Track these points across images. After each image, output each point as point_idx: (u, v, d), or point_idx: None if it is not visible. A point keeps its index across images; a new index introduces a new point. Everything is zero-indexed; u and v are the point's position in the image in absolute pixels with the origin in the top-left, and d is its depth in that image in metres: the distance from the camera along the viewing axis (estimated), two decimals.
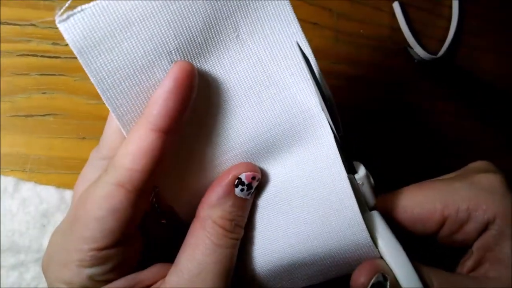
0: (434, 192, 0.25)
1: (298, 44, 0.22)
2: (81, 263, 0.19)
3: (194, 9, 0.20)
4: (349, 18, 0.44)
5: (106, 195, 0.19)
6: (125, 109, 0.20)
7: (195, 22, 0.20)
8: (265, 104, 0.22)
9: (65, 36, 0.18)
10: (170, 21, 0.19)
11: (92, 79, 0.19)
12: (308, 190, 0.23)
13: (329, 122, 0.22)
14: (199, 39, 0.20)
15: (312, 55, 0.22)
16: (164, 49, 0.20)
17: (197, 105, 0.21)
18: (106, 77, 0.19)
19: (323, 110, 0.22)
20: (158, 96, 0.19)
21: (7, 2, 0.32)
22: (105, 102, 0.20)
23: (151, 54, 0.20)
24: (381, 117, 0.44)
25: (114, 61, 0.19)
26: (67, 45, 0.35)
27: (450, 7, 0.50)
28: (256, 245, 0.23)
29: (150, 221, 0.23)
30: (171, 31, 0.20)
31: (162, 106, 0.19)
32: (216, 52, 0.21)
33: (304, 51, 0.21)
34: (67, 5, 0.18)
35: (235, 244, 0.22)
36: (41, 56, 0.33)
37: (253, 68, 0.22)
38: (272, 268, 0.23)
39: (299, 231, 0.22)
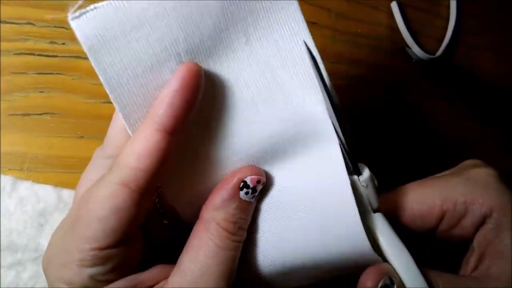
0: (433, 188, 0.25)
1: (305, 44, 0.22)
2: (82, 263, 0.19)
3: (206, 13, 0.20)
4: (348, 18, 0.44)
5: (109, 194, 0.19)
6: (132, 108, 0.20)
7: (206, 25, 0.20)
8: (272, 109, 0.23)
9: (77, 33, 0.18)
10: (181, 23, 0.19)
11: (100, 77, 0.19)
12: (311, 196, 0.23)
13: (335, 127, 0.23)
14: (208, 42, 0.21)
15: (320, 59, 0.22)
16: (174, 50, 0.20)
17: (204, 107, 0.21)
18: (115, 75, 0.19)
19: (329, 114, 0.23)
20: (164, 96, 0.19)
21: (5, 1, 0.32)
22: (112, 100, 0.20)
23: (160, 54, 0.20)
24: (380, 117, 0.44)
25: (123, 60, 0.19)
26: (64, 44, 0.35)
27: (448, 6, 0.50)
28: (257, 248, 0.23)
29: (152, 221, 0.23)
30: (181, 33, 0.20)
31: (168, 106, 0.19)
32: (225, 56, 0.21)
33: (313, 54, 0.22)
34: (80, 2, 0.18)
35: (237, 247, 0.22)
36: (39, 55, 0.33)
37: (261, 72, 0.22)
38: (272, 271, 0.23)
39: (299, 237, 0.23)
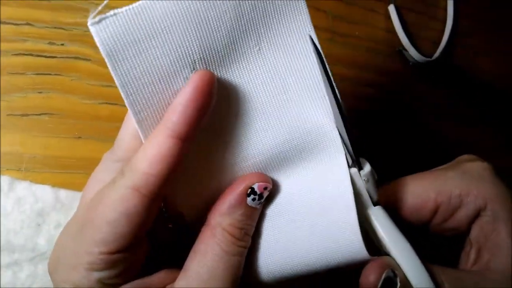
0: (428, 181, 0.26)
1: (312, 40, 0.22)
2: (91, 266, 0.19)
3: (221, 22, 0.20)
4: (345, 20, 0.44)
5: (120, 198, 0.19)
6: (146, 114, 0.20)
7: (221, 34, 0.20)
8: (280, 117, 0.23)
9: (96, 38, 0.18)
10: (197, 32, 0.20)
11: (117, 83, 0.19)
12: (315, 204, 0.23)
13: (340, 133, 0.23)
14: (222, 51, 0.21)
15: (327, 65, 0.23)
16: (189, 58, 0.20)
17: (215, 114, 0.21)
18: (131, 81, 0.19)
19: (336, 119, 0.23)
20: (178, 103, 0.19)
21: (4, 1, 0.32)
22: (127, 105, 0.20)
23: (176, 62, 0.20)
24: (377, 119, 0.44)
25: (140, 66, 0.19)
26: (63, 44, 0.35)
27: (444, 9, 0.50)
28: (260, 254, 0.23)
29: (157, 225, 0.23)
30: (197, 41, 0.20)
31: (181, 113, 0.19)
32: (237, 64, 0.22)
33: (322, 56, 0.22)
34: (100, 8, 0.18)
35: (243, 252, 0.22)
36: (37, 56, 0.33)
37: (271, 81, 0.23)
38: (273, 277, 0.23)
39: (302, 243, 0.23)
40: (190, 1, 0.19)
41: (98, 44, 0.18)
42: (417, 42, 0.48)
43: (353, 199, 0.22)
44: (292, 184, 0.24)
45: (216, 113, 0.21)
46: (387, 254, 0.22)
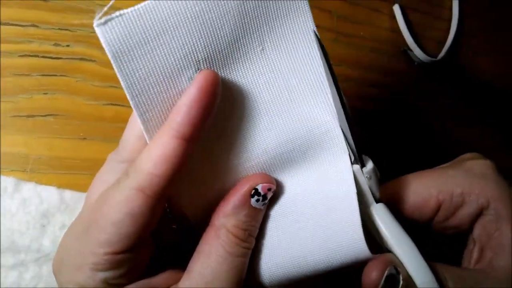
0: (430, 179, 0.26)
1: (316, 35, 0.22)
2: (96, 267, 0.19)
3: (224, 21, 0.20)
4: (349, 21, 0.44)
5: (125, 199, 0.19)
6: (151, 114, 0.20)
7: (225, 34, 0.20)
8: (284, 117, 0.23)
9: (102, 39, 0.18)
10: (201, 31, 0.20)
11: (122, 84, 0.19)
12: (318, 205, 0.23)
13: (344, 131, 0.23)
14: (226, 51, 0.21)
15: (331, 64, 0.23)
16: (193, 58, 0.20)
17: (218, 114, 0.21)
18: (137, 82, 0.19)
19: (339, 117, 0.23)
20: (183, 104, 0.19)
21: (9, 3, 0.33)
22: (132, 106, 0.20)
23: (180, 62, 0.20)
24: (381, 119, 0.44)
25: (146, 67, 0.19)
26: (68, 46, 0.35)
27: (450, 9, 0.50)
28: (264, 255, 0.23)
29: (161, 226, 0.23)
30: (201, 41, 0.20)
31: (186, 114, 0.19)
32: (241, 64, 0.22)
33: (326, 52, 0.22)
34: (105, 9, 0.18)
35: (247, 253, 0.22)
36: (43, 57, 0.33)
37: (274, 81, 0.23)
38: (277, 278, 0.23)
39: (304, 244, 0.23)
40: (194, 1, 0.19)
41: (104, 45, 0.18)
42: (422, 42, 0.47)
43: (357, 199, 0.22)
44: (296, 185, 0.24)
45: (220, 113, 0.21)
46: (389, 251, 0.22)
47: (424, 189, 0.25)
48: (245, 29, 0.21)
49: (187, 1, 0.19)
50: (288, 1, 0.22)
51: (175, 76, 0.20)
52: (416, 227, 0.24)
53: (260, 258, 0.23)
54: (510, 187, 0.25)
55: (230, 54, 0.21)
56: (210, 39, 0.20)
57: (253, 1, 0.21)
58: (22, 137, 0.31)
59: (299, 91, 0.23)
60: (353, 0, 0.45)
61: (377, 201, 0.23)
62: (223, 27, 0.20)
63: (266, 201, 0.23)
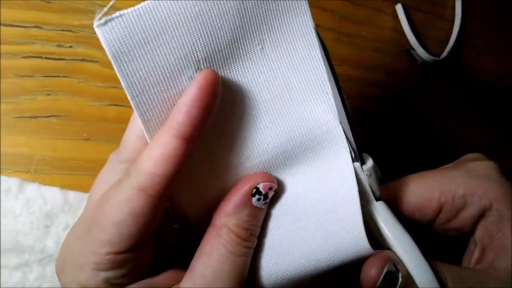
0: (432, 180, 0.25)
1: (316, 31, 0.22)
2: (98, 266, 0.19)
3: (224, 21, 0.20)
4: (352, 20, 0.44)
5: (126, 199, 0.19)
6: (151, 114, 0.20)
7: (224, 33, 0.21)
8: (284, 116, 0.23)
9: (102, 40, 0.18)
10: (201, 31, 0.20)
11: (123, 84, 0.19)
12: (319, 203, 0.23)
13: (344, 128, 0.23)
14: (226, 50, 0.21)
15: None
16: (193, 57, 0.20)
17: (219, 113, 0.21)
18: (137, 82, 0.20)
19: (339, 115, 0.23)
20: (183, 104, 0.19)
21: (12, 4, 0.33)
22: (133, 106, 0.20)
23: (180, 62, 0.20)
24: (383, 119, 0.44)
25: (146, 67, 0.19)
26: (71, 47, 0.36)
27: (453, 8, 0.50)
28: (265, 254, 0.23)
29: (163, 226, 0.23)
30: (201, 41, 0.20)
31: (186, 114, 0.19)
32: (241, 63, 0.22)
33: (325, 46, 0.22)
34: (105, 9, 0.18)
35: (249, 253, 0.22)
36: (46, 58, 0.33)
37: (274, 80, 0.23)
38: (279, 277, 0.23)
39: (306, 243, 0.23)
40: (194, 1, 0.19)
41: (104, 45, 0.18)
42: (425, 41, 0.47)
43: (358, 197, 0.22)
44: (297, 183, 0.24)
45: (220, 112, 0.21)
46: (389, 249, 0.22)
47: (425, 190, 0.25)
48: (244, 28, 0.21)
49: (187, 1, 0.19)
50: (287, 1, 0.22)
51: (175, 76, 0.20)
52: (417, 228, 0.24)
53: (262, 258, 0.23)
54: None
55: (230, 54, 0.21)
56: (210, 38, 0.20)
57: (252, 0, 0.21)
58: (25, 138, 0.32)
59: (299, 90, 0.23)
60: (355, 0, 0.45)
61: (377, 199, 0.23)
62: (222, 27, 0.20)
63: (268, 200, 0.23)
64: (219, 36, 0.20)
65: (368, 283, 0.21)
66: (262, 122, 0.23)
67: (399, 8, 0.46)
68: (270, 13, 0.22)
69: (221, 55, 0.21)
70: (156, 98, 0.20)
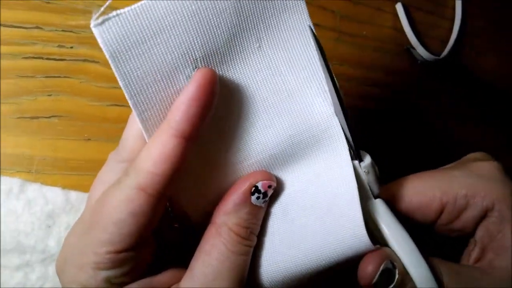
0: (433, 180, 0.25)
1: (311, 29, 0.22)
2: (98, 266, 0.19)
3: (222, 20, 0.20)
4: (352, 19, 0.44)
5: (126, 198, 0.19)
6: (149, 114, 0.20)
7: (221, 31, 0.21)
8: (283, 113, 0.23)
9: (99, 40, 0.18)
10: (198, 29, 0.20)
11: (121, 83, 0.19)
12: (319, 201, 0.23)
13: (341, 124, 0.23)
14: (223, 49, 0.21)
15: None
16: (191, 56, 0.20)
17: (217, 112, 0.21)
18: (135, 81, 0.20)
19: (335, 106, 0.23)
20: (181, 103, 0.19)
21: (12, 5, 0.33)
22: (131, 106, 0.20)
23: (178, 61, 0.20)
24: (383, 118, 0.44)
25: (143, 66, 0.19)
26: (72, 47, 0.36)
27: (452, 8, 0.50)
28: (265, 253, 0.23)
29: (163, 225, 0.23)
30: (198, 40, 0.20)
31: (184, 112, 0.19)
32: (239, 61, 0.22)
33: (319, 42, 0.22)
34: (102, 9, 0.18)
35: (249, 251, 0.22)
36: (47, 59, 0.33)
37: (272, 78, 0.23)
38: (278, 276, 0.23)
39: (306, 241, 0.23)
40: (190, 0, 0.19)
41: (101, 45, 0.18)
42: (425, 40, 0.47)
43: (358, 194, 0.22)
44: (296, 181, 0.24)
45: (218, 111, 0.21)
46: (387, 246, 0.22)
47: (427, 190, 0.25)
48: (242, 26, 0.21)
49: (184, 1, 0.19)
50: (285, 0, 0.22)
51: (173, 75, 0.20)
52: (417, 227, 0.24)
53: (262, 256, 0.23)
54: None
55: (227, 52, 0.21)
56: (207, 37, 0.20)
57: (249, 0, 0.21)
58: (27, 139, 0.32)
59: (297, 88, 0.23)
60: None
61: (375, 196, 0.23)
62: (220, 25, 0.20)
63: (267, 198, 0.23)
64: (217, 34, 0.20)
65: (365, 280, 0.21)
66: (261, 120, 0.23)
67: (399, 7, 0.46)
68: (267, 11, 0.22)
69: (218, 53, 0.21)
70: (154, 97, 0.20)
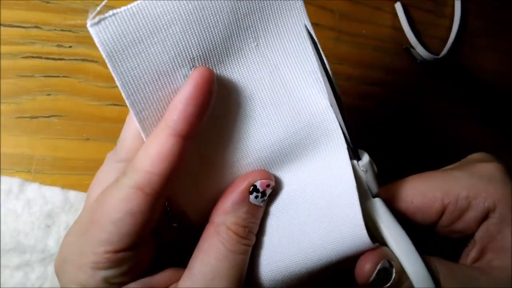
0: (434, 181, 0.25)
1: (307, 28, 0.22)
2: (96, 265, 0.19)
3: (219, 18, 0.20)
4: (351, 19, 0.44)
5: (124, 198, 0.19)
6: (147, 113, 0.20)
7: (219, 30, 0.21)
8: (281, 112, 0.23)
9: (96, 39, 0.18)
10: (195, 28, 0.20)
11: (118, 83, 0.19)
12: (318, 199, 0.23)
13: (339, 121, 0.23)
14: (221, 47, 0.21)
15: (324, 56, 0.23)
16: (188, 55, 0.20)
17: (215, 111, 0.21)
18: (132, 81, 0.20)
19: (334, 110, 0.23)
20: (178, 102, 0.19)
21: (12, 5, 0.33)
22: (128, 105, 0.20)
23: (175, 60, 0.20)
24: (383, 118, 0.44)
25: (140, 65, 0.19)
26: (71, 47, 0.36)
27: (452, 7, 0.50)
28: (264, 251, 0.23)
29: (162, 225, 0.23)
30: (195, 38, 0.20)
31: (182, 112, 0.19)
32: (236, 60, 0.22)
33: (315, 39, 0.22)
34: (98, 9, 0.18)
35: (247, 251, 0.22)
36: (46, 58, 0.33)
37: (270, 76, 0.23)
38: (277, 275, 0.23)
39: (305, 240, 0.23)
40: (187, 0, 0.19)
41: (98, 45, 0.18)
42: (424, 40, 0.47)
43: (357, 193, 0.22)
44: (295, 180, 0.24)
45: (216, 110, 0.21)
46: (385, 245, 0.22)
47: (428, 191, 0.24)
48: (239, 25, 0.21)
49: (180, 0, 0.19)
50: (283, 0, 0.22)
51: (170, 74, 0.20)
52: (417, 228, 0.24)
53: (261, 255, 0.23)
54: None
55: (224, 51, 0.21)
56: (204, 36, 0.20)
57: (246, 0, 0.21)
58: (26, 138, 0.32)
59: (295, 87, 0.23)
60: None
61: (374, 195, 0.23)
62: (217, 24, 0.20)
63: (265, 197, 0.23)
64: (214, 33, 0.20)
65: (362, 278, 0.21)
66: (258, 119, 0.23)
67: (398, 6, 0.46)
68: (265, 10, 0.22)
69: (216, 52, 0.21)
70: (151, 97, 0.20)
